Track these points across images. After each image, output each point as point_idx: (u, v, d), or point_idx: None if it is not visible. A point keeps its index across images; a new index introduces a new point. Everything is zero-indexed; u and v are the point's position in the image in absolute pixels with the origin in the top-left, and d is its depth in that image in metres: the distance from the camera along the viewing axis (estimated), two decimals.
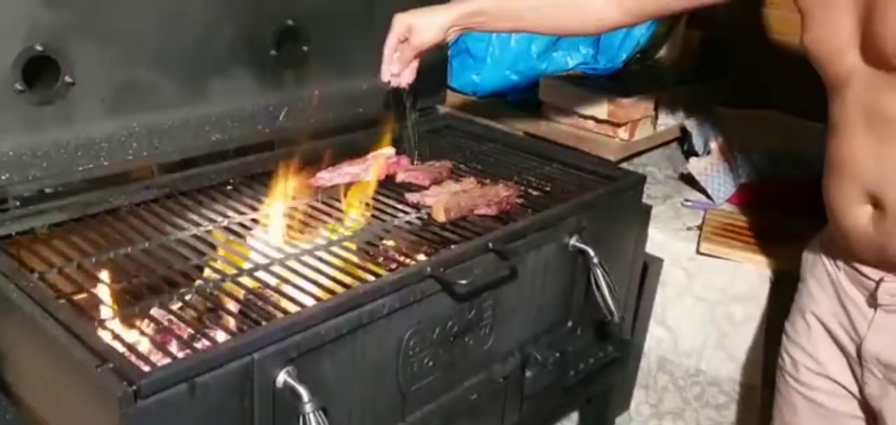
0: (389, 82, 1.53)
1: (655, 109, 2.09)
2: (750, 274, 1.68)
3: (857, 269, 1.23)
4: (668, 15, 1.47)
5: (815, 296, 1.33)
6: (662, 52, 2.32)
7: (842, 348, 1.29)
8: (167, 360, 0.92)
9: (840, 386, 1.31)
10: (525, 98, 2.22)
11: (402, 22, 1.48)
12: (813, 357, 1.34)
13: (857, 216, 1.17)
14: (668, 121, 2.15)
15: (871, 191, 1.14)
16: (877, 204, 1.14)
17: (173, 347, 0.99)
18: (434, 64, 1.85)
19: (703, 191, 1.93)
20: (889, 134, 1.10)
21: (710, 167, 1.92)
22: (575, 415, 1.88)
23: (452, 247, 1.27)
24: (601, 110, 2.01)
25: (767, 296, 1.67)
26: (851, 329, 1.26)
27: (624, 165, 1.99)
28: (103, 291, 1.10)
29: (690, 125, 2.09)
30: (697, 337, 1.76)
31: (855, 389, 1.29)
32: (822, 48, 1.17)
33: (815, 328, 1.33)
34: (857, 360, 1.26)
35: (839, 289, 1.28)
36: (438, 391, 1.25)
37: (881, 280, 1.19)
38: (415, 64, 1.53)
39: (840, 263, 1.27)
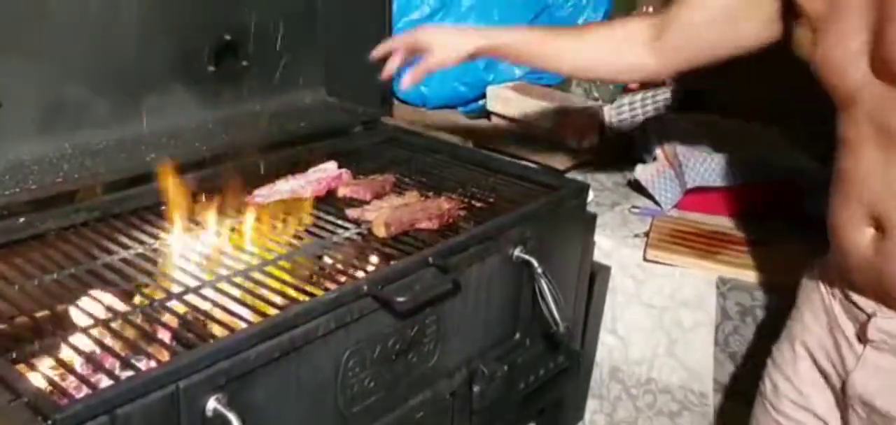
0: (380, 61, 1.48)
1: (602, 117, 2.09)
2: (697, 279, 1.68)
3: (851, 299, 1.18)
4: (704, 64, 1.42)
5: (808, 324, 1.27)
6: None
7: (828, 382, 1.24)
8: (86, 392, 0.88)
9: (822, 421, 1.26)
10: (474, 108, 2.21)
11: (424, 36, 1.43)
12: (796, 388, 1.28)
13: (859, 237, 1.12)
14: (615, 129, 2.15)
15: (876, 211, 1.09)
16: (879, 225, 1.10)
17: (99, 378, 0.96)
18: (378, 75, 1.84)
19: (650, 197, 1.93)
20: None
21: (656, 173, 1.92)
22: None
23: (392, 262, 1.25)
24: (548, 119, 2.01)
25: (715, 302, 1.67)
26: (839, 362, 1.21)
27: (571, 174, 1.99)
28: (25, 321, 1.05)
29: (637, 132, 2.10)
30: (648, 345, 1.76)
31: None
32: (831, 63, 1.13)
33: (802, 358, 1.28)
34: (842, 397, 1.21)
35: (831, 319, 1.22)
36: (381, 411, 1.22)
37: (873, 314, 1.14)
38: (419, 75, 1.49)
39: (836, 291, 1.22)
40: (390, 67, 1.52)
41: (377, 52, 1.49)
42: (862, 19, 1.08)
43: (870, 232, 1.12)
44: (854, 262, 1.14)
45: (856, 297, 1.17)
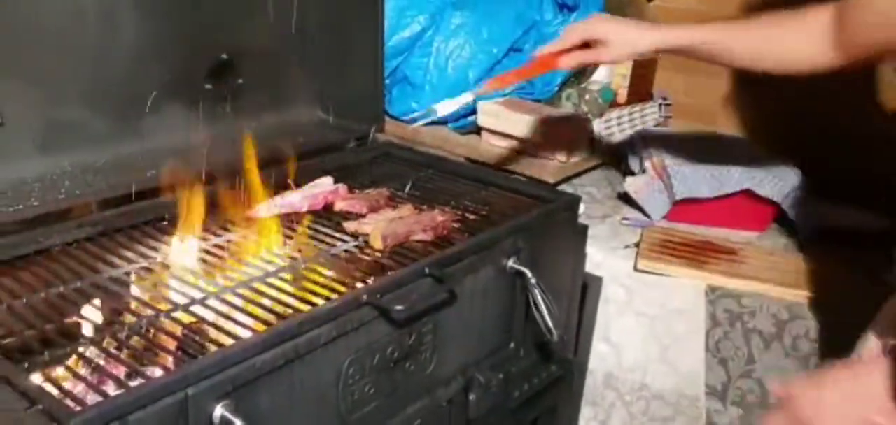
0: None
1: (591, 131, 2.13)
2: (687, 288, 1.72)
3: None
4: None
5: None
6: (596, 76, 2.36)
7: None
8: (98, 399, 0.91)
9: None
10: (464, 124, 2.24)
11: (600, 28, 1.38)
12: None
13: None
14: (605, 142, 2.19)
15: None
16: None
17: (108, 386, 0.98)
18: (370, 92, 1.88)
19: (640, 209, 1.97)
20: None
21: (645, 185, 1.95)
22: None
23: (389, 272, 1.28)
24: (538, 133, 2.04)
25: (705, 309, 1.71)
26: None
27: (562, 186, 2.03)
28: (34, 333, 1.08)
29: (626, 145, 2.13)
30: (640, 352, 1.79)
31: None
32: None
33: None
34: None
35: None
36: (381, 418, 1.25)
37: None
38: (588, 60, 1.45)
39: None
40: (566, 61, 1.45)
41: (552, 47, 1.43)
42: None
43: None
44: None
45: None
